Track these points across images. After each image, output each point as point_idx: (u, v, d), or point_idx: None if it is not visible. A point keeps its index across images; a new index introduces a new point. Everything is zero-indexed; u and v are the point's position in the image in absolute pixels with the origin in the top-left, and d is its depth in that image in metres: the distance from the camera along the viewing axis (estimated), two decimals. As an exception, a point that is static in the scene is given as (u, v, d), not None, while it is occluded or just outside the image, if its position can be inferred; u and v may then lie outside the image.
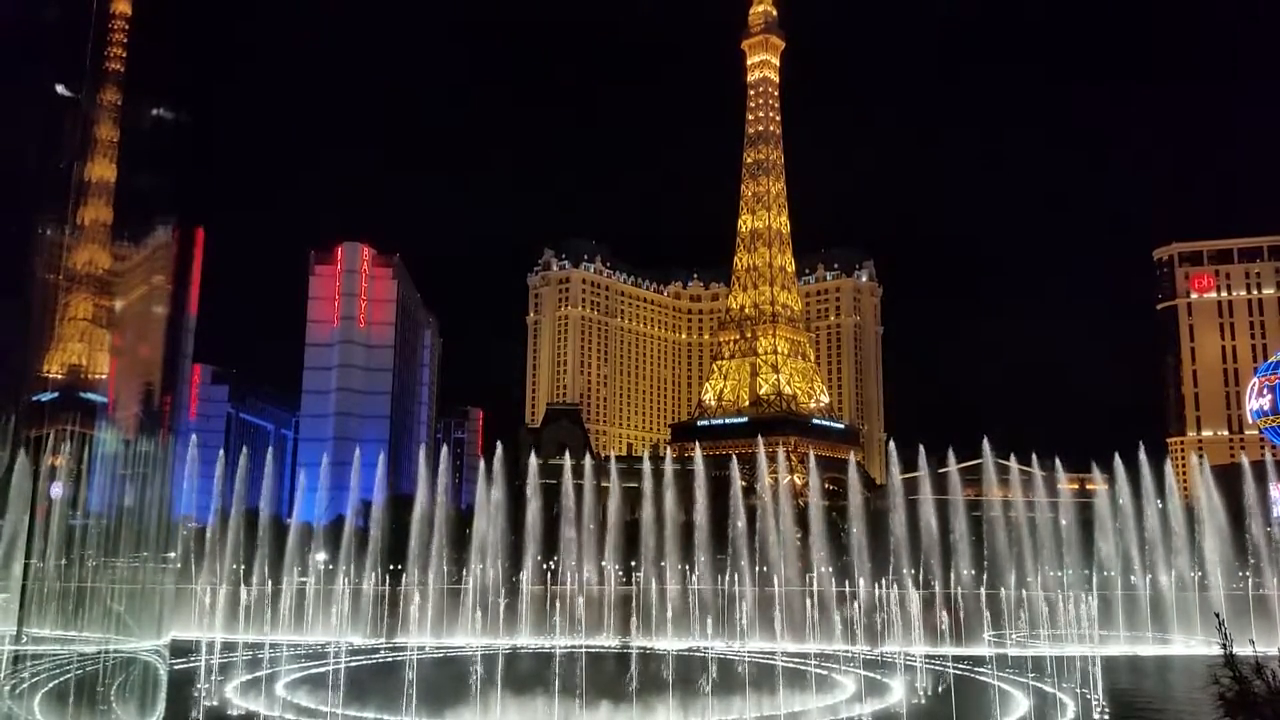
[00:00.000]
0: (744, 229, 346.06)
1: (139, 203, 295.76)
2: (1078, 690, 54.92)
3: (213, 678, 58.39)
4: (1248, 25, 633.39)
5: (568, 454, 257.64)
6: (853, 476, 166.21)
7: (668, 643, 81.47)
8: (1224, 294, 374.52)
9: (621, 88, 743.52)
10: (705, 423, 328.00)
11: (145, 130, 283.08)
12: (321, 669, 63.59)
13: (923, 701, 54.53)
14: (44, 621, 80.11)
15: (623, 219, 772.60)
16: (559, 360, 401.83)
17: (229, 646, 69.44)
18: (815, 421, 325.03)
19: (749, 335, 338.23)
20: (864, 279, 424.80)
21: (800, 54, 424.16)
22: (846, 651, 78.00)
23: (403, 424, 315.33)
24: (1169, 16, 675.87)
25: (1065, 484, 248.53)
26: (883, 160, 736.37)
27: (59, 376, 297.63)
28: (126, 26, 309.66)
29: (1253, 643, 17.74)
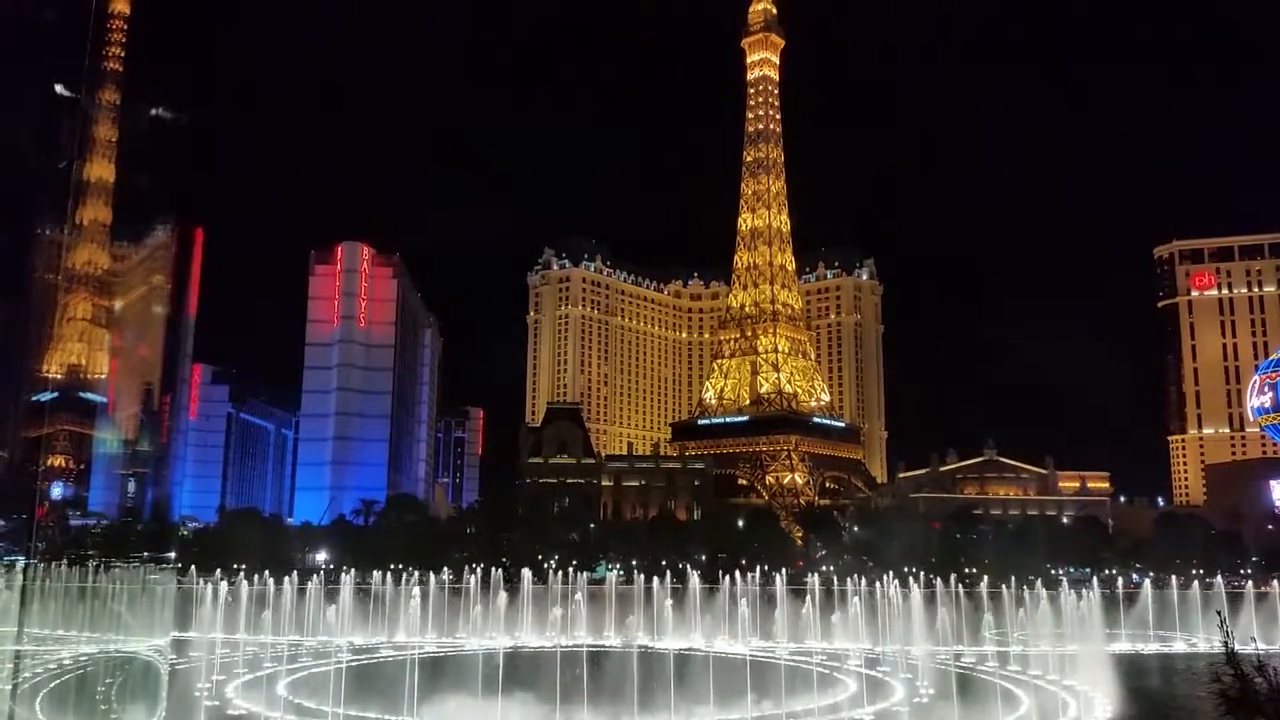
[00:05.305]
0: (744, 227, 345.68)
1: (138, 203, 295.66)
2: (1079, 688, 54.89)
3: (214, 676, 58.34)
4: (1248, 24, 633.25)
5: (568, 453, 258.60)
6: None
7: (669, 642, 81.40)
8: (1225, 291, 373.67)
9: (621, 87, 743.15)
10: (706, 421, 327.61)
11: (144, 130, 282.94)
12: (322, 668, 63.55)
13: (925, 701, 54.45)
14: (44, 621, 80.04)
15: (623, 218, 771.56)
16: (559, 359, 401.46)
17: (229, 646, 69.38)
18: (816, 420, 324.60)
19: (749, 334, 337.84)
20: (864, 277, 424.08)
21: (800, 52, 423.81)
22: (847, 650, 77.97)
23: (403, 424, 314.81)
24: (1169, 16, 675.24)
25: (1066, 482, 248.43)
26: (883, 158, 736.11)
27: (59, 376, 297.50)
28: (125, 26, 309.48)
29: (1254, 640, 17.67)
